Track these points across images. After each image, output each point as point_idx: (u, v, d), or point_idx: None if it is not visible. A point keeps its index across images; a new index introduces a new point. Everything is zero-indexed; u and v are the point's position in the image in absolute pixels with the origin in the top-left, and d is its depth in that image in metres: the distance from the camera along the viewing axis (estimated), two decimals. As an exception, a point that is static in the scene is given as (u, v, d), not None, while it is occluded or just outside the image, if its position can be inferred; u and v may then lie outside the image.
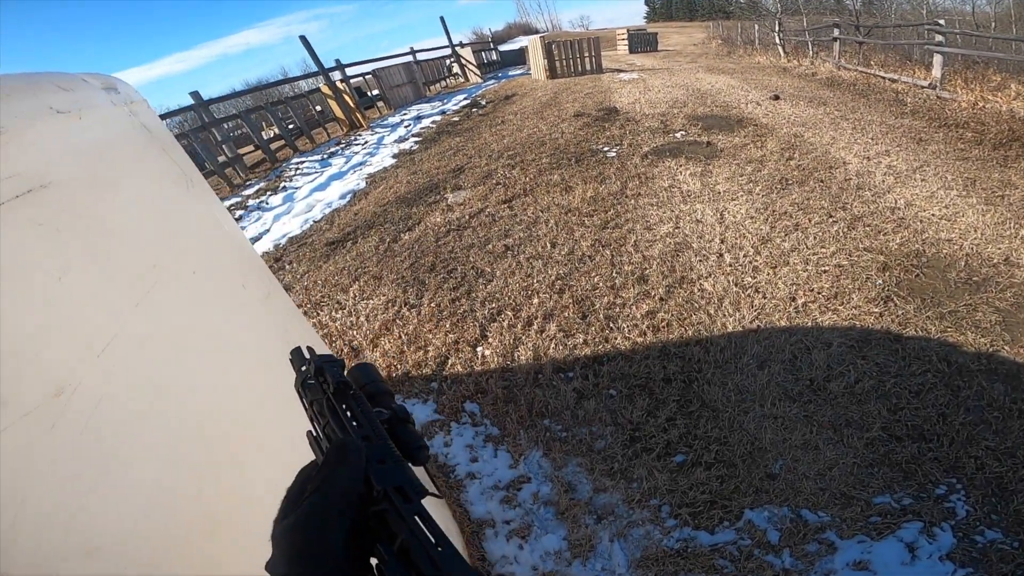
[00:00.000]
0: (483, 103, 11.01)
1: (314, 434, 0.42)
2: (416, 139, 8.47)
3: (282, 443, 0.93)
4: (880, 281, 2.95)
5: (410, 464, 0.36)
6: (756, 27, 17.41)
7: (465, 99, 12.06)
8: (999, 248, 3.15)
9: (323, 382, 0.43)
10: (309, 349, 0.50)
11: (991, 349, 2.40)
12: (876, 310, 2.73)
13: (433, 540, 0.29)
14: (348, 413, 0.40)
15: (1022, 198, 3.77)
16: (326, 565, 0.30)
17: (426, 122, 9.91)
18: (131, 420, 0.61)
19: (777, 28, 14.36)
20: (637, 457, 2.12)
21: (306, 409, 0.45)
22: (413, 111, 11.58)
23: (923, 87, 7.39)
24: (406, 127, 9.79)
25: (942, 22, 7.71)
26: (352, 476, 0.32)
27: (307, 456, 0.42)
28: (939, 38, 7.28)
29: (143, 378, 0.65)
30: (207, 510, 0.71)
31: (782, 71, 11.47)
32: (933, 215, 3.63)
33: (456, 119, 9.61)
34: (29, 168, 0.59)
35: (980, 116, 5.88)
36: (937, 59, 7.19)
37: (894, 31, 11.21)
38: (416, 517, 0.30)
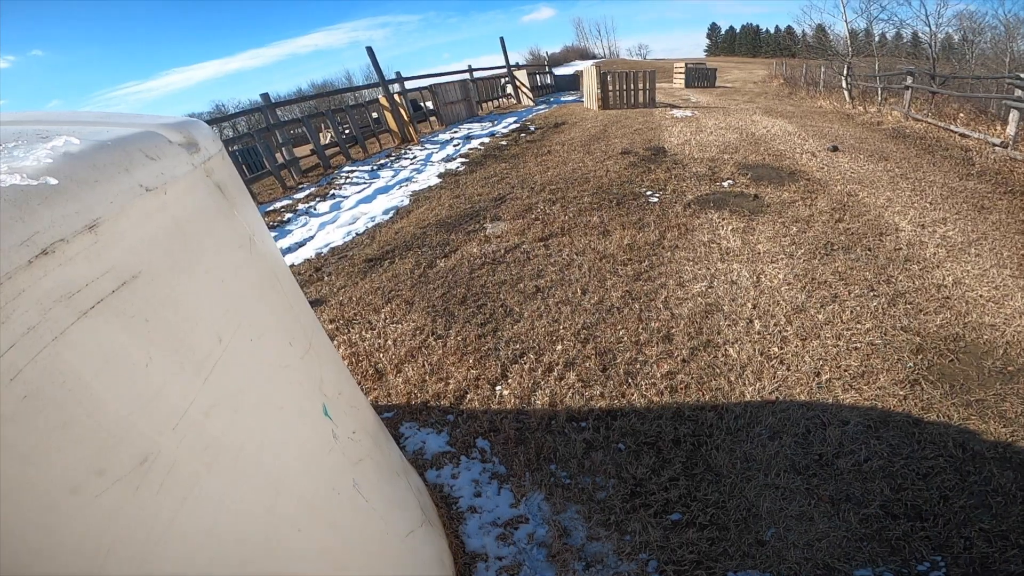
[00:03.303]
0: (532, 128, 11.23)
1: None
2: (463, 160, 8.73)
3: (314, 480, 1.07)
4: (911, 363, 2.87)
5: None
6: (822, 69, 16.99)
7: (515, 122, 12.33)
8: None
9: None
10: None
11: (1011, 439, 2.36)
12: (901, 392, 2.67)
13: None
14: None
15: (1085, 286, 3.57)
16: None
17: (475, 143, 10.19)
18: (195, 479, 0.72)
19: (845, 71, 13.97)
20: (635, 511, 2.16)
21: None
22: (464, 130, 11.93)
23: (995, 145, 6.96)
24: (455, 146, 10.10)
25: (1023, 75, 7.29)
26: None
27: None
28: (1019, 92, 6.78)
29: (206, 441, 0.75)
30: (256, 550, 0.83)
31: (845, 118, 11.15)
32: (980, 296, 3.49)
33: (504, 143, 9.84)
34: (122, 259, 0.64)
35: None
36: (1013, 115, 6.74)
37: (972, 82, 10.69)
38: None
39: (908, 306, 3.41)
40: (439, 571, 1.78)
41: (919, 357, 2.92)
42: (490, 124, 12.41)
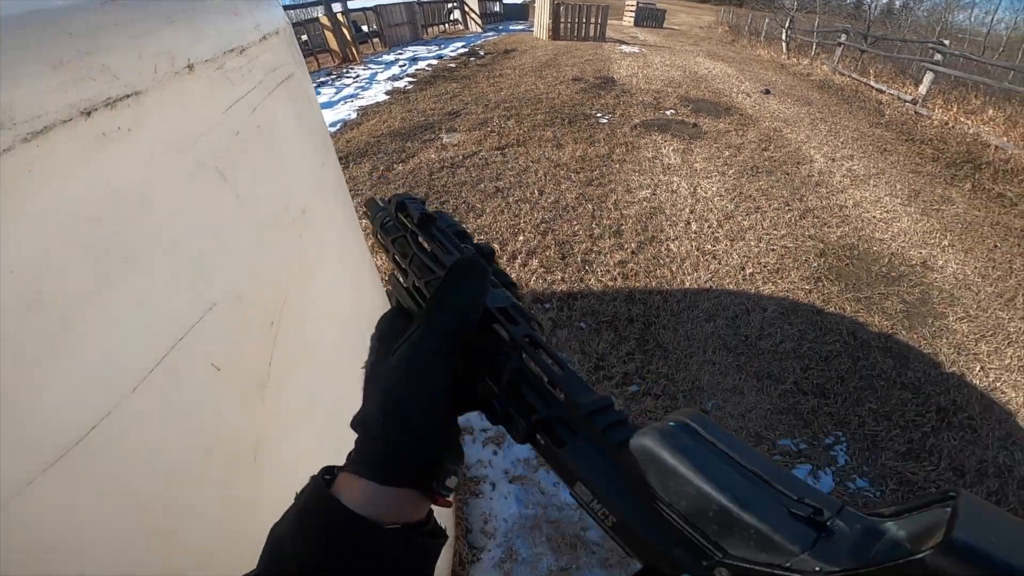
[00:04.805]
0: (481, 54, 10.85)
1: (397, 279, 0.40)
2: (411, 79, 8.37)
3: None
4: (816, 264, 3.39)
5: None
6: (766, 20, 17.44)
7: (463, 47, 11.82)
8: (920, 252, 3.64)
9: (406, 216, 0.40)
10: (382, 199, 0.47)
11: (891, 331, 2.87)
12: (807, 287, 3.16)
13: (551, 363, 0.26)
14: (436, 242, 0.37)
15: (955, 214, 4.26)
16: (430, 415, 0.27)
17: (422, 64, 9.74)
18: (299, 314, 0.76)
19: (787, 24, 14.48)
20: (599, 383, 2.40)
21: (388, 252, 0.42)
22: (409, 52, 11.29)
23: (906, 101, 7.69)
24: (400, 66, 9.61)
25: (947, 42, 7.80)
26: (478, 293, 0.28)
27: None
28: (938, 57, 7.44)
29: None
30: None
31: (779, 67, 11.73)
32: (874, 217, 4.09)
33: (453, 66, 9.49)
34: (283, 62, 0.79)
35: (946, 135, 6.33)
36: (928, 76, 7.40)
37: (899, 45, 11.56)
38: (527, 340, 0.27)
39: (815, 220, 3.95)
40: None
41: (822, 260, 3.45)
42: (436, 48, 11.79)
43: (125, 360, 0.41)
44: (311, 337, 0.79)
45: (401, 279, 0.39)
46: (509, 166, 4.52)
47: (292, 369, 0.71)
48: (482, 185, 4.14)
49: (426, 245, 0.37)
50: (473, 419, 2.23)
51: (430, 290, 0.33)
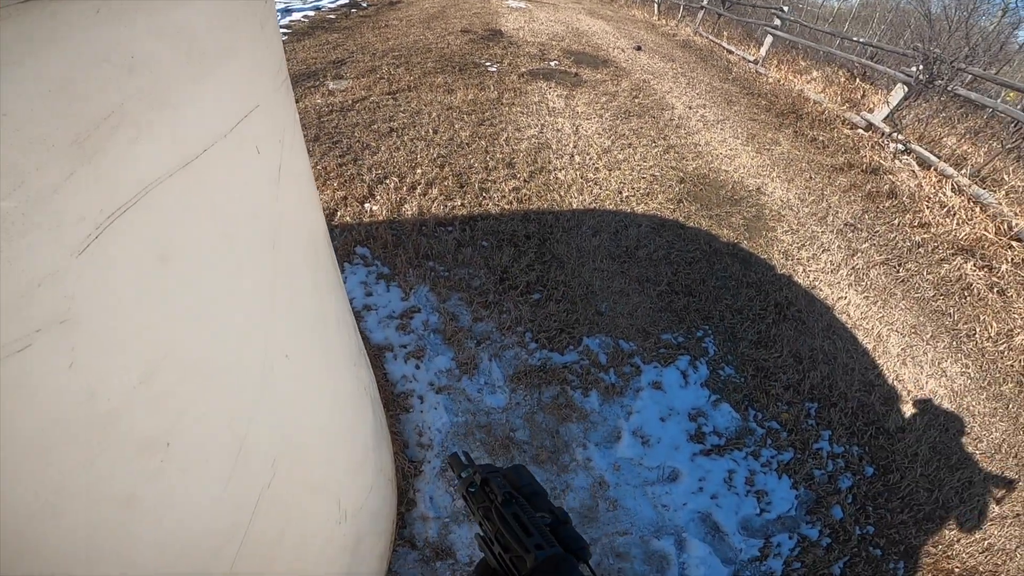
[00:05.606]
0: (364, 5, 10.29)
1: (483, 536, 0.48)
2: (286, 30, 7.76)
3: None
4: (677, 189, 3.99)
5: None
6: (643, -18, 18.26)
7: (343, -3, 11.07)
8: (756, 181, 4.41)
9: (489, 492, 0.49)
10: (466, 455, 0.57)
11: (736, 241, 3.48)
12: (671, 206, 3.73)
13: None
14: (518, 521, 0.45)
15: (780, 153, 5.16)
16: None
17: (297, 15, 9.00)
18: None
19: (661, -13, 15.36)
20: (505, 293, 2.62)
21: (473, 513, 0.51)
22: (280, 3, 10.33)
23: (749, 61, 8.68)
24: (273, 13, 8.81)
25: (785, 8, 8.74)
26: None
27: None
28: (777, 22, 8.39)
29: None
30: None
31: (650, 27, 12.63)
32: (721, 153, 4.83)
33: (332, 17, 8.93)
34: None
35: (777, 91, 7.38)
36: (768, 40, 8.33)
37: (750, 10, 12.86)
38: None
39: (676, 155, 4.58)
40: (361, 356, 1.94)
41: (682, 185, 4.06)
42: (311, -3, 10.89)
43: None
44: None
45: (487, 540, 0.48)
46: (402, 109, 4.58)
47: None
48: (375, 126, 4.18)
49: (509, 520, 0.45)
50: (391, 336, 2.33)
51: (516, 565, 0.43)
